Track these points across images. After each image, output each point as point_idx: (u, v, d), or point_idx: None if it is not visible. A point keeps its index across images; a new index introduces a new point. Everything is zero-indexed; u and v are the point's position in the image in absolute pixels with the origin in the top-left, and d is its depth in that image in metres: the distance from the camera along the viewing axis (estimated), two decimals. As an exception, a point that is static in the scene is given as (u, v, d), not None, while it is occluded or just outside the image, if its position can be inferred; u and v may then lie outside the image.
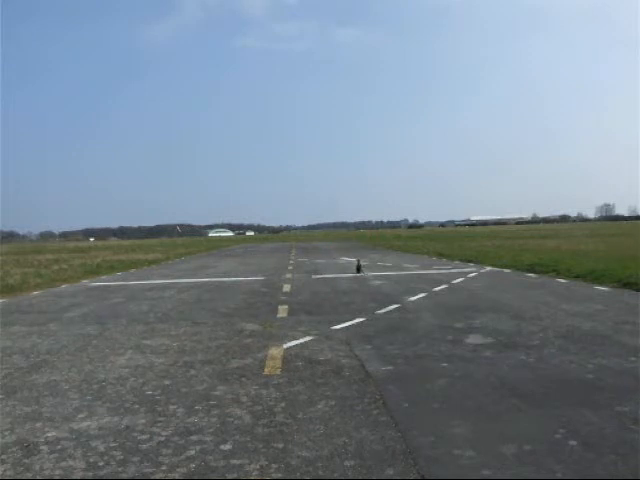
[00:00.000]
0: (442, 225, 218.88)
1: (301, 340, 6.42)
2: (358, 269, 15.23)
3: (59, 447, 3.43)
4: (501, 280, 12.84)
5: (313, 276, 15.29)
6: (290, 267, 19.37)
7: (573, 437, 3.34)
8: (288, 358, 5.57)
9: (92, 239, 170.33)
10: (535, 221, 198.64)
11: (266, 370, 5.13)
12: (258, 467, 3.05)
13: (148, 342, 6.64)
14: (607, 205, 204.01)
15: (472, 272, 14.75)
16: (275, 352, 5.85)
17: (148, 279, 16.41)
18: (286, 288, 12.30)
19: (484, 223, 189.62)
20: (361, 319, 7.74)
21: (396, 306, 8.89)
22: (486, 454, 3.15)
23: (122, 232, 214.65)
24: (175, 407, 4.14)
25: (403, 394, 4.29)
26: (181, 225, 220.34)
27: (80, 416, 4.01)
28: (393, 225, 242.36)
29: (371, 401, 4.14)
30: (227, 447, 3.34)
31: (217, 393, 4.46)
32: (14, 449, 3.42)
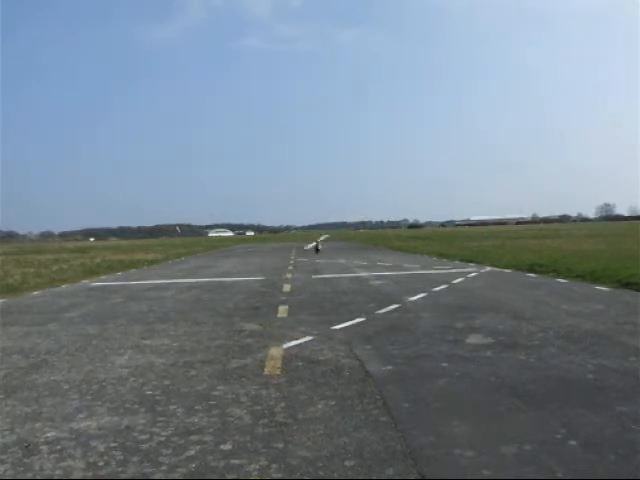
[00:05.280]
0: (442, 225, 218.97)
1: (301, 340, 6.42)
2: (316, 249, 13.48)
3: (59, 447, 3.43)
4: (501, 280, 12.84)
5: (313, 276, 15.29)
6: (290, 267, 19.36)
7: (573, 437, 3.34)
8: (288, 358, 5.57)
9: (92, 239, 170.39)
10: (535, 221, 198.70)
11: (266, 370, 5.12)
12: (258, 467, 3.05)
13: (148, 342, 6.63)
14: (607, 205, 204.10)
15: (472, 272, 14.74)
16: (275, 352, 5.84)
17: (148, 279, 16.41)
18: (286, 288, 12.29)
19: (484, 223, 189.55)
20: (361, 319, 7.74)
21: (396, 306, 8.88)
22: (486, 454, 3.15)
23: (122, 232, 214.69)
24: (175, 407, 4.14)
25: (403, 394, 4.28)
26: (181, 225, 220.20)
27: (80, 416, 4.00)
28: (393, 225, 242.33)
29: (371, 401, 4.14)
30: (227, 447, 3.34)
31: (217, 393, 4.46)
32: (14, 449, 3.42)
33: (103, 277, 17.69)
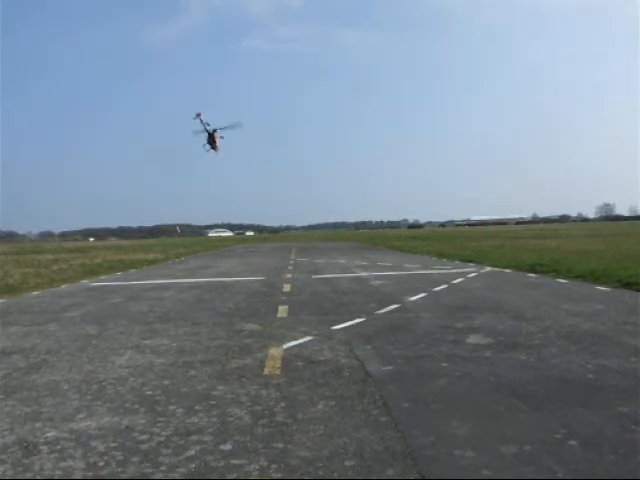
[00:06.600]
0: (442, 225, 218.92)
1: (301, 340, 6.42)
2: (210, 138, 10.07)
3: (59, 447, 3.43)
4: (501, 280, 12.84)
5: (313, 276, 15.28)
6: (290, 267, 19.36)
7: (573, 437, 3.34)
8: (288, 358, 5.56)
9: (92, 239, 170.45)
10: (535, 221, 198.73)
11: (266, 370, 5.12)
12: (258, 467, 3.05)
13: (148, 342, 6.63)
14: (607, 205, 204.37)
15: (472, 272, 14.74)
16: (275, 352, 5.84)
17: (148, 279, 16.40)
18: (286, 288, 12.29)
19: (484, 223, 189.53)
20: (361, 319, 7.74)
21: (396, 306, 8.88)
22: (486, 454, 3.14)
23: (122, 232, 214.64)
24: (175, 407, 4.13)
25: (403, 394, 4.28)
26: (181, 225, 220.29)
27: (80, 416, 4.00)
28: (393, 225, 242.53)
29: (371, 401, 4.13)
30: (227, 447, 3.34)
31: (217, 393, 4.46)
32: (14, 449, 3.42)
33: (103, 277, 17.68)
